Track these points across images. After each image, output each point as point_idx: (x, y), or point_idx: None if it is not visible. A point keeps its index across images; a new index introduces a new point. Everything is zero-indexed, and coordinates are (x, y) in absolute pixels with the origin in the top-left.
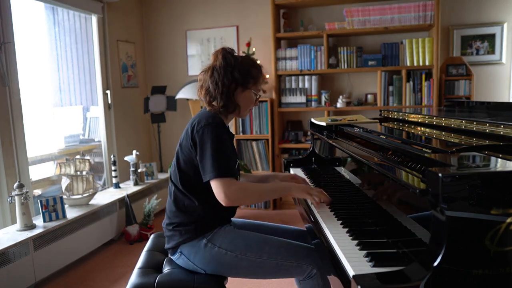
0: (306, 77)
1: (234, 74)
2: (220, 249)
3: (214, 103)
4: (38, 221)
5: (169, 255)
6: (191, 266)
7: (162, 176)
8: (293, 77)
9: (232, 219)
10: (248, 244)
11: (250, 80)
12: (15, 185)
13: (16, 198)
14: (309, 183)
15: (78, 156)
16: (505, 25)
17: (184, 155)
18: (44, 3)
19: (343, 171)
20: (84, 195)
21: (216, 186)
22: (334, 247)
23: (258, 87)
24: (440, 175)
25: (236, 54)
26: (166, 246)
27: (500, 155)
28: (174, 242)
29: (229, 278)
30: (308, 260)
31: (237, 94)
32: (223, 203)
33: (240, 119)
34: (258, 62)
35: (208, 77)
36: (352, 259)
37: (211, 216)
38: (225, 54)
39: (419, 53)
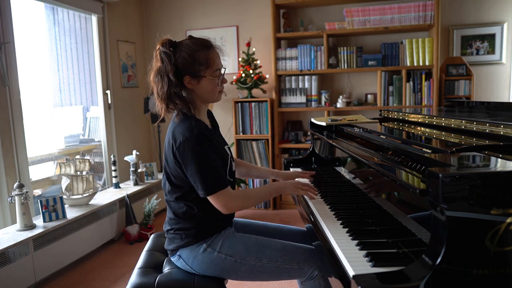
0: (306, 77)
1: (169, 76)
2: (219, 254)
3: (170, 108)
4: (38, 221)
5: (169, 256)
6: (189, 269)
7: (162, 176)
8: (293, 77)
9: (234, 219)
10: (247, 248)
11: (200, 67)
12: (15, 185)
13: (16, 198)
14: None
15: (78, 156)
16: (505, 25)
17: (171, 170)
18: (44, 3)
19: (343, 171)
20: (84, 195)
21: (213, 201)
22: (334, 247)
23: (213, 69)
24: (440, 175)
25: (175, 44)
26: (166, 246)
27: (500, 155)
28: (174, 245)
29: (229, 279)
30: (309, 262)
31: (195, 86)
32: (223, 212)
33: (240, 119)
34: (203, 39)
35: (153, 83)
36: (352, 259)
37: (212, 220)
38: (162, 55)
39: (419, 53)
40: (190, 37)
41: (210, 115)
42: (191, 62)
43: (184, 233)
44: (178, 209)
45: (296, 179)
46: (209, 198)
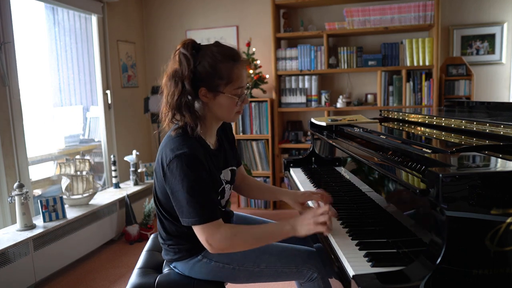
0: (306, 77)
1: (184, 83)
2: (216, 263)
3: (175, 118)
4: (38, 221)
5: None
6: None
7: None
8: (293, 77)
9: (234, 212)
10: (245, 254)
11: (219, 82)
12: (15, 185)
13: (16, 198)
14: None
15: (78, 156)
16: (505, 25)
17: (160, 186)
18: (44, 3)
19: (343, 171)
20: (84, 195)
21: (198, 233)
22: (334, 247)
23: (235, 86)
24: (440, 175)
25: (198, 48)
26: (162, 256)
27: (500, 155)
28: (168, 257)
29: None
30: (308, 264)
31: (209, 101)
32: (209, 250)
33: (240, 119)
34: (241, 51)
35: (164, 86)
36: (352, 259)
37: None
38: (181, 57)
39: (419, 53)
40: (217, 43)
41: (225, 128)
42: (211, 74)
43: (178, 247)
44: (167, 226)
45: (308, 202)
46: (194, 229)
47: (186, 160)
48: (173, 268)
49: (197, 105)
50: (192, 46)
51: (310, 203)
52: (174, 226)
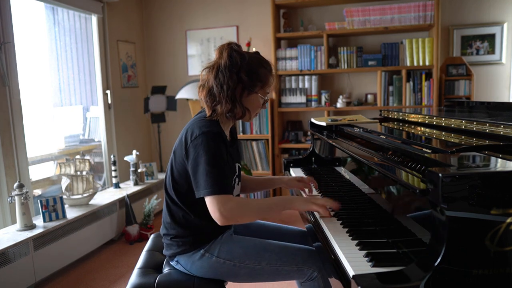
0: (306, 77)
1: (240, 75)
2: (218, 258)
3: (217, 107)
4: (38, 221)
5: (167, 259)
6: (188, 273)
7: (162, 176)
8: (293, 77)
9: None
10: (246, 252)
11: (257, 83)
12: (15, 185)
13: (16, 198)
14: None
15: (78, 156)
16: (505, 25)
17: (177, 165)
18: (44, 3)
19: (343, 171)
20: (84, 195)
21: (210, 204)
22: (334, 247)
23: (266, 90)
24: (440, 175)
25: (243, 52)
26: (164, 252)
27: (500, 155)
28: (171, 251)
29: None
30: (308, 263)
31: (243, 97)
32: (218, 221)
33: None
34: (268, 60)
35: (213, 77)
36: (352, 259)
37: (208, 228)
38: (231, 52)
39: (419, 53)
40: (257, 53)
41: (235, 127)
42: (253, 76)
43: (181, 240)
44: (175, 213)
45: (304, 195)
46: (207, 200)
47: (212, 136)
48: (174, 265)
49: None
50: (238, 47)
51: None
52: (182, 214)
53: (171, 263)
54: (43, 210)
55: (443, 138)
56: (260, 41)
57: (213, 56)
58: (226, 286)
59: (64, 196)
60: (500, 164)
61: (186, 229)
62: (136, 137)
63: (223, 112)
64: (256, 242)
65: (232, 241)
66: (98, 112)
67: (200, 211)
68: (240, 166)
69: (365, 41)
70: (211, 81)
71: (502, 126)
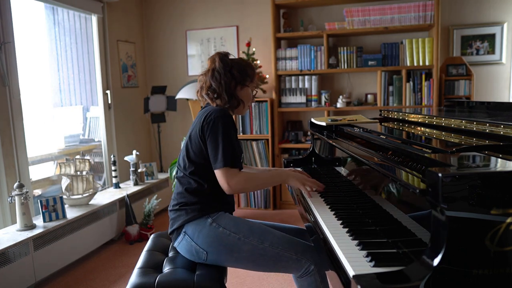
0: (306, 77)
1: (233, 72)
2: (224, 229)
3: (218, 100)
4: (38, 221)
5: (172, 241)
6: (193, 248)
7: (162, 176)
8: (293, 77)
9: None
10: (252, 229)
11: (247, 78)
12: (15, 185)
13: (16, 198)
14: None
15: (78, 156)
16: (505, 25)
17: (193, 145)
18: (44, 3)
19: (343, 171)
20: (84, 195)
21: (220, 176)
22: (334, 247)
23: (254, 85)
24: (440, 175)
25: (230, 57)
26: (170, 229)
27: (500, 155)
28: (179, 222)
29: (228, 277)
30: (306, 255)
31: (237, 91)
32: (226, 191)
33: (240, 119)
34: (256, 62)
35: (209, 78)
36: (352, 259)
37: (217, 198)
38: (222, 57)
39: (419, 53)
40: (240, 58)
41: None
42: (243, 71)
43: (190, 207)
44: (188, 185)
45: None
46: (218, 173)
47: (227, 118)
48: (180, 241)
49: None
50: (224, 53)
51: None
52: (192, 183)
53: (176, 241)
54: (43, 210)
55: (443, 138)
56: (260, 41)
57: None
58: (226, 286)
59: (64, 196)
60: (500, 164)
61: (196, 196)
62: (136, 137)
63: (223, 103)
64: (261, 224)
65: (238, 218)
66: (98, 112)
67: (215, 183)
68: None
69: (365, 41)
70: (208, 81)
71: (502, 126)
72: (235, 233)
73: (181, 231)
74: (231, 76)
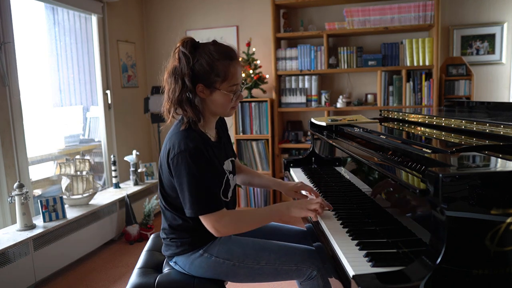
0: (306, 77)
1: (184, 80)
2: (217, 258)
3: (176, 113)
4: (38, 221)
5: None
6: (187, 273)
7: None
8: (293, 77)
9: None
10: (245, 251)
11: (215, 79)
12: (15, 185)
13: (16, 198)
14: (316, 190)
15: (78, 156)
16: (505, 25)
17: (165, 178)
18: (44, 3)
19: (343, 171)
20: (84, 195)
21: (204, 221)
22: (334, 247)
23: (230, 84)
24: (440, 175)
25: (196, 46)
26: (163, 252)
27: (500, 155)
28: (170, 252)
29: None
30: (307, 263)
31: (205, 97)
32: (215, 235)
33: (240, 119)
34: (232, 47)
35: (165, 82)
36: (352, 259)
37: (206, 230)
38: (180, 54)
39: (419, 53)
40: (215, 42)
41: (221, 123)
42: (208, 71)
43: (180, 241)
44: (172, 221)
45: (301, 192)
46: (201, 218)
47: (189, 155)
48: (173, 265)
49: (196, 100)
50: (191, 44)
51: (304, 192)
52: (177, 219)
53: (170, 263)
54: (43, 210)
55: (443, 138)
56: (260, 41)
57: None
58: (226, 286)
59: (64, 196)
60: (500, 164)
61: (184, 232)
62: (136, 137)
63: (187, 118)
64: (255, 242)
65: (231, 241)
66: (98, 112)
67: (197, 218)
68: (233, 160)
69: (365, 41)
70: (166, 87)
71: (502, 126)
72: (228, 260)
73: (172, 259)
74: (182, 85)
